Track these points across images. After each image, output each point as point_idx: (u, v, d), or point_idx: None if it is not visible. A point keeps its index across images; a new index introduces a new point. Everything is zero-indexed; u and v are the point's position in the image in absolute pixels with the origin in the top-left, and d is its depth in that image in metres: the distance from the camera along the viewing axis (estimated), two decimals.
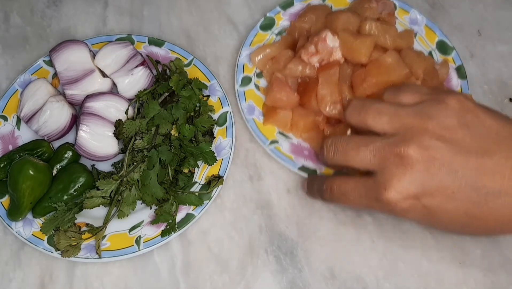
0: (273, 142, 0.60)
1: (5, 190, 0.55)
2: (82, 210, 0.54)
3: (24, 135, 0.60)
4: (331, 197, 0.50)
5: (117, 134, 0.57)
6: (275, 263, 0.55)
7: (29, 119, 0.59)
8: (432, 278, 0.54)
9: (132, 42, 0.65)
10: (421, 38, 0.67)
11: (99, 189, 0.54)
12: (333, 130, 0.59)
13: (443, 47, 0.66)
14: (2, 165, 0.56)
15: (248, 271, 0.54)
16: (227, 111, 0.61)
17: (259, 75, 0.65)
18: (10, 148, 0.58)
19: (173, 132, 0.58)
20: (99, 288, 0.53)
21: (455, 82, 0.64)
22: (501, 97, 0.65)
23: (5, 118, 0.60)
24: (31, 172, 0.53)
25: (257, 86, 0.64)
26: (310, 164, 0.58)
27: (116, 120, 0.57)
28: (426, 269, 0.55)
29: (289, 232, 0.56)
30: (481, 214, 0.43)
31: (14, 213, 0.54)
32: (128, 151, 0.56)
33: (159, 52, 0.65)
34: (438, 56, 0.66)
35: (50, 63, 0.63)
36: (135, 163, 0.55)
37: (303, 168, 0.58)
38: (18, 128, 0.60)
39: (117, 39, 0.65)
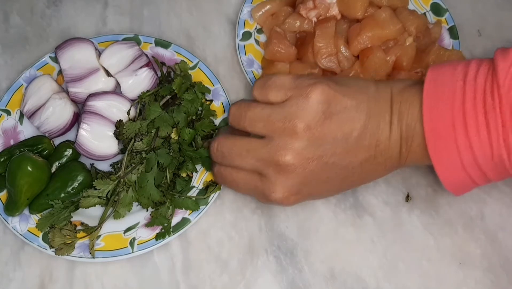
0: None
1: (4, 185, 0.55)
2: (78, 208, 0.54)
3: (26, 131, 0.59)
4: (223, 182, 0.53)
5: (117, 135, 0.57)
6: (275, 263, 0.55)
7: (31, 115, 0.58)
8: (432, 278, 0.54)
9: (139, 43, 0.64)
10: (416, 0, 0.70)
11: (96, 189, 0.54)
12: None
13: (437, 9, 0.69)
14: (2, 159, 0.56)
15: (248, 271, 0.54)
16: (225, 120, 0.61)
17: (259, 31, 0.68)
18: (12, 142, 0.58)
19: (173, 135, 0.57)
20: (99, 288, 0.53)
21: (447, 42, 0.67)
22: None
23: (8, 113, 0.60)
24: (29, 168, 0.53)
25: (257, 41, 0.67)
26: None
27: (117, 120, 0.57)
28: (426, 269, 0.55)
29: (289, 232, 0.56)
30: (352, 182, 0.51)
31: (11, 208, 0.54)
32: (127, 152, 0.56)
33: (165, 53, 0.65)
34: (432, 18, 0.69)
35: (56, 59, 0.62)
36: (133, 164, 0.55)
37: None
38: (21, 123, 0.60)
39: (124, 39, 0.65)
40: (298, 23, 0.65)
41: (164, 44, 0.65)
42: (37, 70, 0.63)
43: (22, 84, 0.61)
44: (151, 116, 0.57)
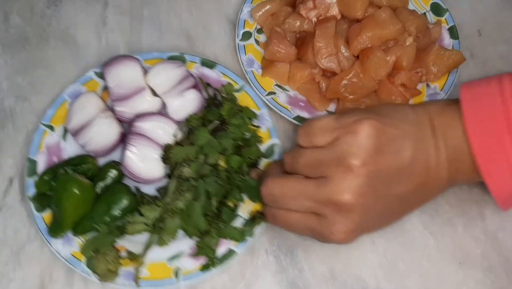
0: (270, 93, 0.62)
1: (48, 204, 0.54)
2: (123, 234, 0.53)
3: (70, 148, 0.58)
4: (276, 223, 0.52)
5: (165, 159, 0.55)
6: (275, 263, 0.55)
7: (76, 133, 0.57)
8: (432, 278, 0.54)
9: (184, 61, 0.63)
10: (416, 0, 0.70)
11: (142, 215, 0.52)
12: (328, 83, 0.62)
13: (436, 9, 0.69)
14: (47, 178, 0.55)
15: (248, 271, 0.54)
16: (275, 144, 0.59)
17: (260, 31, 0.68)
18: (55, 159, 0.57)
19: (220, 162, 0.56)
20: None
21: (448, 42, 0.67)
22: None
23: (51, 128, 0.58)
24: (75, 190, 0.52)
25: (257, 41, 0.67)
26: (306, 114, 0.61)
27: (165, 144, 0.56)
28: (426, 269, 0.55)
29: (289, 232, 0.56)
30: (405, 210, 0.51)
31: (55, 230, 0.52)
32: (174, 178, 0.54)
33: (211, 74, 0.63)
34: (432, 18, 0.69)
35: (101, 75, 0.61)
36: (181, 191, 0.53)
37: (298, 118, 0.61)
38: (64, 140, 0.58)
39: (169, 57, 0.63)
40: (298, 23, 0.65)
41: (210, 65, 0.63)
42: (81, 85, 0.61)
43: (66, 100, 0.60)
44: (199, 142, 0.55)
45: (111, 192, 0.54)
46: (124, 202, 0.53)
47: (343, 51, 0.62)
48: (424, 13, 0.69)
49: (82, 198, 0.52)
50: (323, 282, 0.54)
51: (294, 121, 0.61)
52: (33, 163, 0.56)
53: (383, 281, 0.54)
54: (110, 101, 0.60)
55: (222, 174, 0.55)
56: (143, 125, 0.56)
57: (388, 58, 0.61)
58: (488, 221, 0.57)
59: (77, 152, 0.58)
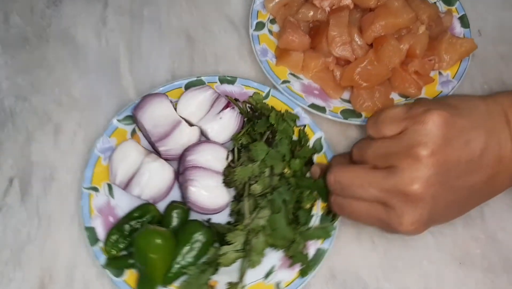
0: (284, 82, 0.64)
1: (124, 265, 0.52)
2: (218, 269, 0.52)
3: (121, 203, 0.56)
4: (341, 212, 0.52)
5: (229, 183, 0.55)
6: None
7: (127, 185, 0.55)
8: (432, 278, 0.54)
9: (203, 84, 0.62)
10: None
11: (229, 243, 0.51)
12: (342, 71, 0.63)
13: None
14: (115, 238, 0.52)
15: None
16: (321, 137, 0.60)
17: (273, 21, 0.69)
18: (111, 220, 0.54)
19: (279, 170, 0.56)
20: None
21: (459, 30, 0.69)
22: None
23: (96, 190, 0.55)
24: (158, 241, 0.50)
25: (270, 31, 0.68)
26: (320, 102, 0.62)
27: (225, 168, 0.56)
28: (426, 269, 0.55)
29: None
30: (476, 201, 0.50)
31: (144, 288, 0.51)
32: (245, 198, 0.54)
33: (233, 89, 0.62)
34: (442, 7, 0.71)
35: (125, 121, 0.59)
36: (258, 209, 0.53)
37: (313, 106, 0.62)
38: (113, 197, 0.56)
39: (187, 84, 0.62)
40: (312, 13, 0.66)
41: (230, 81, 0.63)
42: (109, 137, 0.58)
43: (99, 156, 0.57)
44: (260, 156, 0.55)
45: (185, 232, 0.53)
46: (201, 238, 0.52)
47: (357, 39, 0.63)
48: (435, 2, 0.71)
49: (166, 247, 0.51)
50: (323, 282, 0.54)
51: (309, 109, 0.61)
52: (91, 231, 0.53)
53: (383, 281, 0.54)
54: (143, 142, 0.59)
55: (291, 180, 0.55)
56: (196, 158, 0.55)
57: (402, 46, 0.62)
58: (488, 221, 0.57)
59: (130, 204, 0.55)
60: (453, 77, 0.65)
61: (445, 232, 0.57)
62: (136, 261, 0.51)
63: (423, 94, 0.63)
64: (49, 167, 0.60)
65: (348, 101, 0.63)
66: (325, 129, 0.61)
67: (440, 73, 0.65)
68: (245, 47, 0.69)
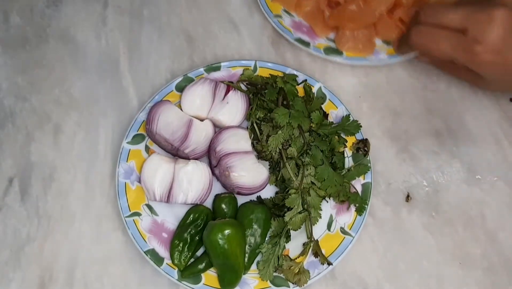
0: (276, 16, 0.68)
1: (198, 271, 0.53)
2: (290, 238, 0.53)
3: (166, 216, 0.56)
4: (421, 40, 0.55)
5: (265, 156, 0.56)
6: None
7: (168, 197, 0.55)
8: (432, 278, 0.54)
9: (191, 80, 0.62)
10: None
11: (290, 209, 0.53)
12: (332, 12, 0.66)
13: None
14: (180, 248, 0.53)
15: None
16: (320, 86, 0.62)
17: None
18: (165, 235, 0.55)
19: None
20: None
21: None
22: (502, 98, 0.65)
23: (138, 214, 0.55)
24: (230, 231, 0.51)
25: None
26: (306, 38, 0.67)
27: (255, 146, 0.57)
28: (426, 269, 0.55)
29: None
30: None
31: (232, 281, 0.52)
32: (284, 164, 0.55)
33: (222, 74, 0.63)
34: None
35: (135, 140, 0.59)
36: (301, 169, 0.55)
37: (299, 40, 0.66)
38: (156, 214, 0.56)
39: (177, 86, 0.62)
40: None
41: (215, 68, 0.64)
42: (126, 162, 0.58)
43: (125, 183, 0.57)
44: (284, 120, 0.56)
45: (243, 216, 0.54)
46: (260, 216, 0.54)
47: None
48: None
49: (238, 233, 0.52)
50: (323, 282, 0.54)
51: (295, 42, 0.65)
52: (152, 253, 0.53)
53: (383, 281, 0.54)
54: (156, 148, 0.60)
55: (322, 130, 0.57)
56: (224, 146, 0.56)
57: None
58: (488, 221, 0.57)
59: (176, 214, 0.56)
60: None
61: (445, 232, 0.57)
62: (214, 259, 0.52)
63: None
64: (49, 167, 0.60)
65: (333, 41, 0.67)
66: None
67: None
68: (246, 47, 0.69)
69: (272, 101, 0.59)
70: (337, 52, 0.66)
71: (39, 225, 0.56)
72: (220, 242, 0.50)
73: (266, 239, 0.54)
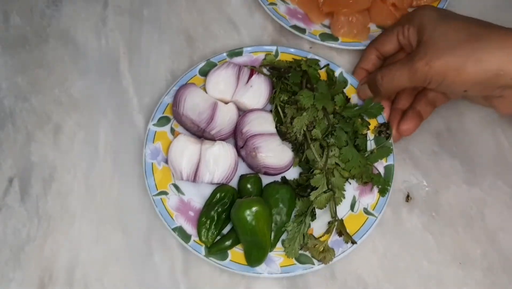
0: (271, 4, 0.69)
1: (225, 248, 0.54)
2: (315, 216, 0.54)
3: (192, 195, 0.57)
4: (380, 83, 0.57)
5: (290, 138, 0.57)
6: None
7: (194, 177, 0.57)
8: (432, 278, 0.54)
9: (214, 65, 0.63)
10: None
11: (315, 188, 0.54)
12: None
13: None
14: (207, 225, 0.54)
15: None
16: (341, 72, 0.63)
17: None
18: (192, 214, 0.56)
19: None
20: None
21: None
22: None
23: (165, 193, 0.57)
24: (258, 208, 0.52)
25: None
26: (301, 25, 0.67)
27: (280, 128, 0.58)
28: (426, 269, 0.55)
29: None
30: None
31: (258, 258, 0.53)
32: (309, 145, 0.56)
33: (243, 60, 0.64)
34: None
35: (160, 122, 0.60)
36: (325, 150, 0.56)
37: (294, 27, 0.67)
38: (182, 194, 0.57)
39: (200, 70, 0.63)
40: None
41: (237, 53, 0.64)
42: (152, 143, 0.59)
43: (152, 163, 0.58)
44: (309, 102, 0.57)
45: (269, 195, 0.55)
46: (286, 195, 0.55)
47: None
48: None
49: (266, 211, 0.52)
50: (323, 282, 0.54)
51: (290, 29, 0.66)
52: (179, 230, 0.55)
53: (383, 281, 0.54)
54: (183, 130, 0.61)
55: (346, 112, 0.58)
56: (250, 128, 0.58)
57: None
58: (488, 221, 0.57)
59: (202, 193, 0.57)
60: None
61: (445, 232, 0.57)
62: (241, 236, 0.53)
63: None
64: (49, 167, 0.60)
65: (328, 27, 0.68)
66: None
67: None
68: None
69: (296, 84, 0.60)
70: (333, 38, 0.66)
71: (39, 225, 0.57)
72: (248, 218, 0.51)
73: (291, 218, 0.55)
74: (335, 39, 0.66)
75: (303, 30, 0.66)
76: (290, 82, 0.60)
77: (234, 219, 0.53)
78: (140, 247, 0.56)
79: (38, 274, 0.54)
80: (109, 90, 0.65)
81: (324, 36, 0.66)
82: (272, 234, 0.54)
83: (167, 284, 0.54)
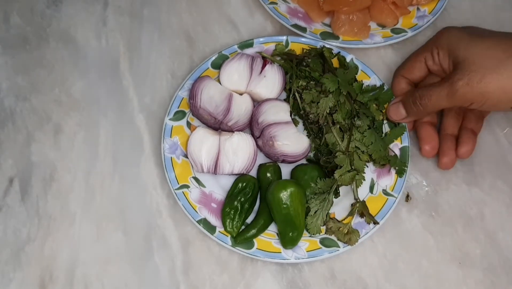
0: (272, 3, 0.69)
1: (251, 237, 0.54)
2: (338, 194, 0.56)
3: (213, 188, 0.58)
4: (415, 106, 0.56)
5: (313, 118, 0.58)
6: (275, 263, 0.55)
7: (215, 168, 0.57)
8: (432, 278, 0.54)
9: (226, 58, 0.63)
10: None
11: (341, 166, 0.55)
12: None
13: None
14: (231, 215, 0.55)
15: (248, 271, 0.54)
16: (352, 58, 0.64)
17: None
18: (214, 205, 0.56)
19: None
20: None
21: None
22: None
23: (186, 187, 0.57)
24: (294, 189, 0.53)
25: None
26: (302, 24, 0.68)
27: (300, 115, 0.60)
28: (426, 269, 0.55)
29: None
30: None
31: (293, 240, 0.53)
32: (330, 129, 0.57)
33: (254, 51, 0.65)
34: None
35: (176, 116, 0.60)
36: (347, 133, 0.57)
37: (295, 26, 0.67)
38: (203, 186, 0.57)
39: (212, 63, 0.64)
40: None
41: (248, 44, 0.65)
42: (170, 137, 0.59)
43: (171, 157, 0.58)
44: (333, 86, 0.57)
45: (298, 179, 0.56)
46: (314, 173, 0.56)
47: None
48: None
49: (301, 193, 0.54)
50: (323, 282, 0.54)
51: (291, 28, 0.66)
52: (204, 222, 0.55)
53: (383, 281, 0.54)
54: (197, 122, 0.61)
55: (360, 99, 0.59)
56: (266, 117, 0.58)
57: None
58: (488, 221, 0.57)
59: (223, 185, 0.58)
60: (429, 13, 0.69)
61: (445, 232, 0.57)
62: (276, 216, 0.54)
63: (399, 25, 0.69)
64: (49, 167, 0.60)
65: (329, 25, 0.69)
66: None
67: (418, 8, 0.70)
68: None
69: (316, 70, 0.60)
70: (334, 36, 0.67)
71: (39, 225, 0.57)
72: (284, 199, 0.52)
73: (314, 196, 0.55)
74: (336, 37, 0.67)
75: (303, 29, 0.67)
76: (310, 68, 0.60)
77: (269, 199, 0.54)
78: (140, 247, 0.56)
79: (38, 274, 0.54)
80: (109, 90, 0.65)
81: (324, 35, 0.67)
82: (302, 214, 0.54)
83: (167, 284, 0.54)
